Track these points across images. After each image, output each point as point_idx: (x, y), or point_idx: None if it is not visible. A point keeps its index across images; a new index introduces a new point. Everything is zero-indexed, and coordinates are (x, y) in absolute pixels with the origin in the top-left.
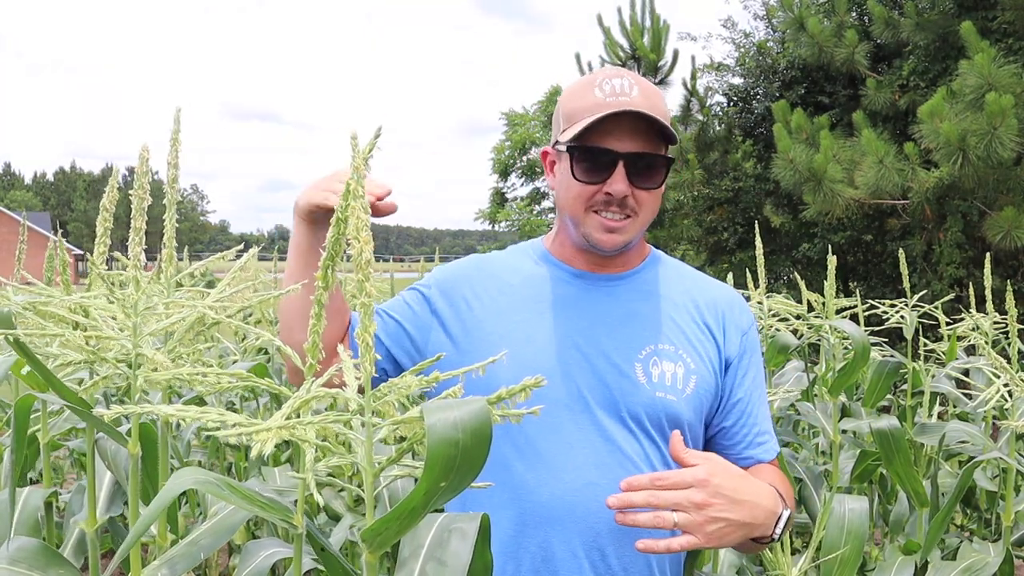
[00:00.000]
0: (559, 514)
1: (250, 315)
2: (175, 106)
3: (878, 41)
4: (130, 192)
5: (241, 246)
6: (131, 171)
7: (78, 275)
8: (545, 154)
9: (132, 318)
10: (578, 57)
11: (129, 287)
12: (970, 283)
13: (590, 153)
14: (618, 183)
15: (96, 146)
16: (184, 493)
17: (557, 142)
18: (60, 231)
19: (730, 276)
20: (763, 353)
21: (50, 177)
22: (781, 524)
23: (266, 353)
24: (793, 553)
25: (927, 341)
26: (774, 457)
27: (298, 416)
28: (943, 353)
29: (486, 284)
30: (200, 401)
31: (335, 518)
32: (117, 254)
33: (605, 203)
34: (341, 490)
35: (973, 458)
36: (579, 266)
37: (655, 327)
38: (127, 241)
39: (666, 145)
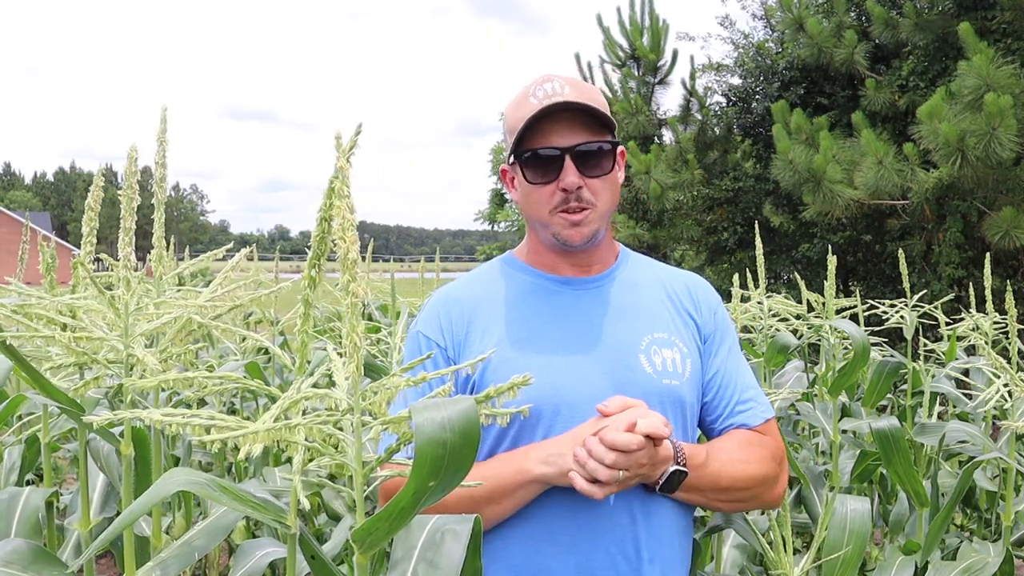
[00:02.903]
0: (585, 519)
1: (250, 315)
2: (162, 105)
3: (877, 41)
4: (118, 192)
5: (231, 244)
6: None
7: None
8: (504, 172)
9: (123, 319)
10: (578, 57)
11: (119, 287)
12: (970, 283)
13: (537, 155)
14: (569, 176)
15: (96, 146)
16: (184, 495)
17: (511, 155)
18: (55, 231)
19: (733, 277)
20: (763, 353)
21: (50, 177)
22: (665, 475)
23: (267, 353)
24: (794, 553)
25: (927, 341)
26: (762, 422)
27: (287, 417)
28: (943, 353)
29: (477, 315)
30: (201, 400)
31: (335, 518)
32: (104, 256)
33: (564, 200)
34: (341, 491)
35: (973, 458)
36: (563, 272)
37: (647, 317)
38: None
39: (611, 133)
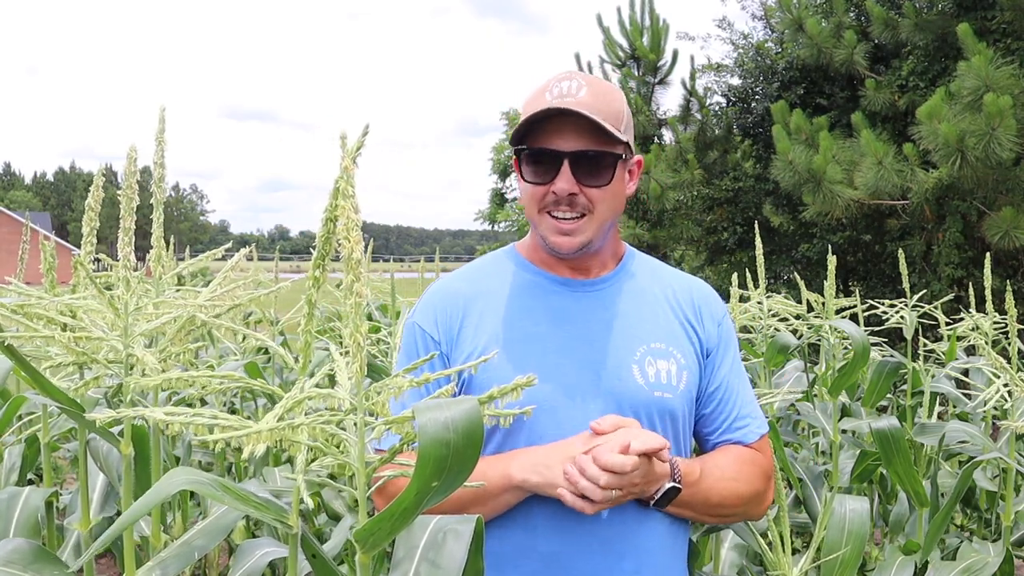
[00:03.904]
0: (570, 524)
1: (250, 314)
2: (161, 105)
3: (877, 41)
4: (118, 192)
5: (231, 244)
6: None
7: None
8: (516, 162)
9: (123, 318)
10: (578, 57)
11: (119, 287)
12: (970, 283)
13: (536, 154)
14: (561, 182)
15: (96, 146)
16: (182, 495)
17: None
18: (55, 231)
19: (733, 277)
20: (762, 353)
21: (50, 177)
22: (661, 491)
23: (266, 353)
24: (794, 553)
25: (927, 341)
26: (757, 439)
27: (290, 417)
28: (943, 353)
29: (472, 308)
30: (201, 399)
31: (335, 518)
32: (103, 256)
33: (555, 203)
34: (341, 491)
35: (973, 458)
36: (561, 272)
37: (645, 327)
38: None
39: (623, 143)
